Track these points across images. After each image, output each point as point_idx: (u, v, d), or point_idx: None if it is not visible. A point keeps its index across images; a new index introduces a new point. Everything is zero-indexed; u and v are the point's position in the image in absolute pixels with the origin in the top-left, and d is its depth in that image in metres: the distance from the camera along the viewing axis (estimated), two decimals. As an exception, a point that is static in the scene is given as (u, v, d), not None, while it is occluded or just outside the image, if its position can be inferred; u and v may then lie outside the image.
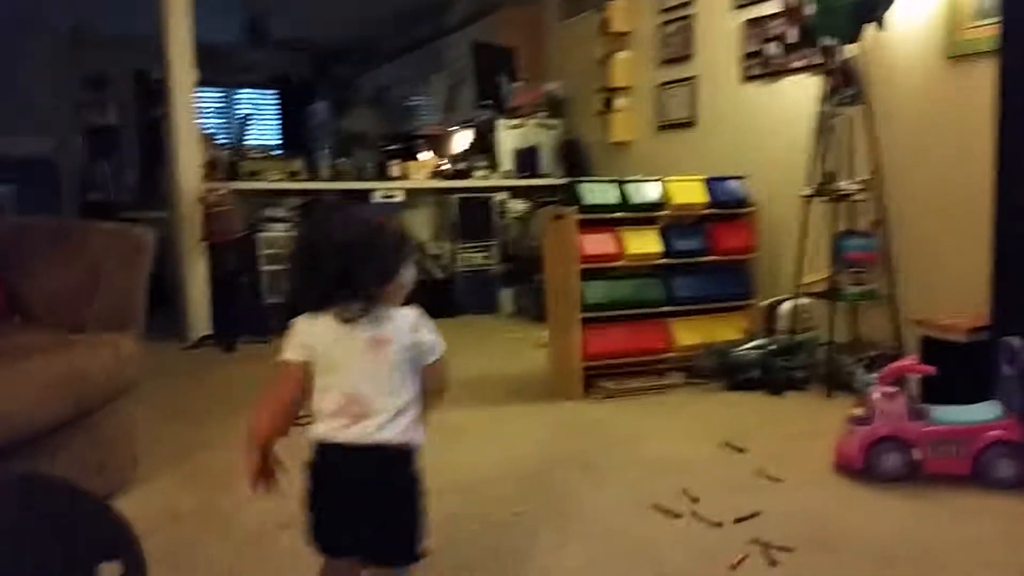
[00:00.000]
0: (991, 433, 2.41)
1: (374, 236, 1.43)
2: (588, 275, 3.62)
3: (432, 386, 1.49)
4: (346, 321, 1.42)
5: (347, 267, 1.39)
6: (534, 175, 5.87)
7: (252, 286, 5.20)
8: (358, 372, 1.42)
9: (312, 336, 1.45)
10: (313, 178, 5.45)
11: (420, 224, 5.92)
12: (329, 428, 1.44)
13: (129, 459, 2.59)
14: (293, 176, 5.34)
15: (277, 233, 5.28)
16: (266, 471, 1.52)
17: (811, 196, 3.67)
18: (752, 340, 3.68)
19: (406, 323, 1.45)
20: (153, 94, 5.66)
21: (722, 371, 3.62)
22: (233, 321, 4.83)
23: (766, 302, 3.96)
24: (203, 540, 2.17)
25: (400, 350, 1.43)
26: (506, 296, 5.84)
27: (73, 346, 2.39)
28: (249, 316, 5.04)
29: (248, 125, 5.98)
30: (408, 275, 1.48)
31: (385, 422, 1.41)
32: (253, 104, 8.80)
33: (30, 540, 1.21)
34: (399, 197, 5.49)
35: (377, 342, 1.42)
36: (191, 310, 4.97)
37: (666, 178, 3.83)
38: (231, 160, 5.23)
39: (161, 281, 5.89)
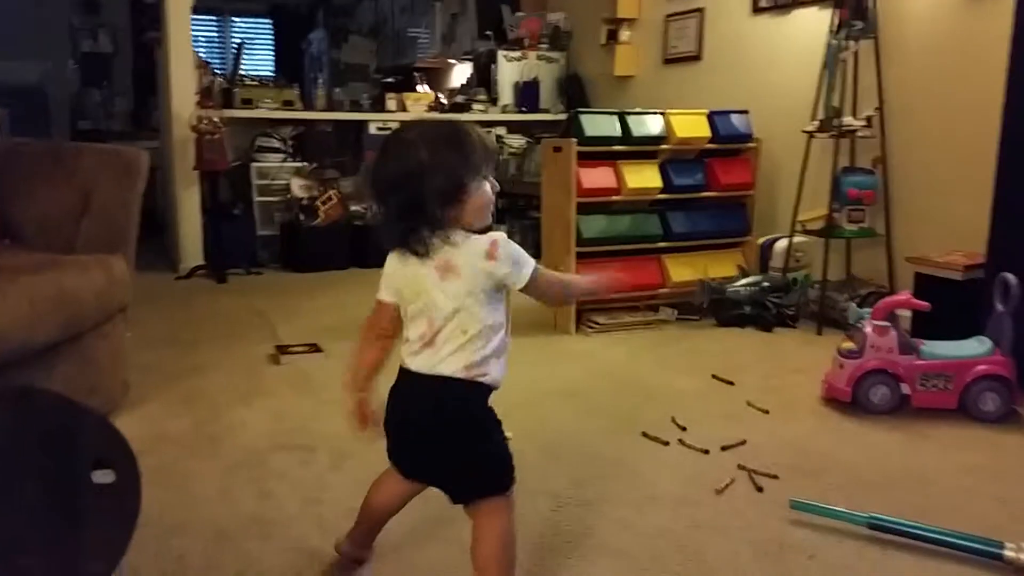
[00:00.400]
0: (979, 368, 2.42)
1: (430, 156, 1.32)
2: (585, 209, 3.59)
3: (543, 300, 1.45)
4: (418, 255, 1.34)
5: (409, 198, 1.31)
6: (533, 110, 5.78)
7: (245, 217, 5.17)
8: (431, 301, 1.35)
9: (394, 277, 1.41)
10: (308, 108, 5.37)
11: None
12: (406, 354, 1.40)
13: (119, 383, 2.59)
14: (287, 105, 5.26)
15: (270, 164, 5.23)
16: (365, 409, 1.47)
17: (814, 132, 3.62)
18: (746, 277, 3.68)
19: (478, 250, 1.33)
20: (148, 19, 5.51)
21: (714, 307, 3.62)
22: (225, 252, 4.81)
23: (762, 239, 3.94)
24: (194, 461, 2.18)
25: (470, 278, 1.33)
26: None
27: (63, 266, 2.36)
28: (241, 247, 5.02)
29: (243, 53, 5.85)
30: (481, 189, 1.36)
31: (447, 355, 1.35)
32: (248, 32, 8.62)
33: (25, 447, 1.22)
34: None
35: (446, 270, 1.34)
36: (183, 240, 4.94)
37: (668, 110, 3.77)
38: (225, 87, 5.15)
39: (154, 212, 5.88)
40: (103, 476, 1.07)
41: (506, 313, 1.40)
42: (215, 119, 4.62)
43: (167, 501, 1.92)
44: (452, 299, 1.34)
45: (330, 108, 5.44)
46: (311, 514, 1.87)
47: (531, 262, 1.36)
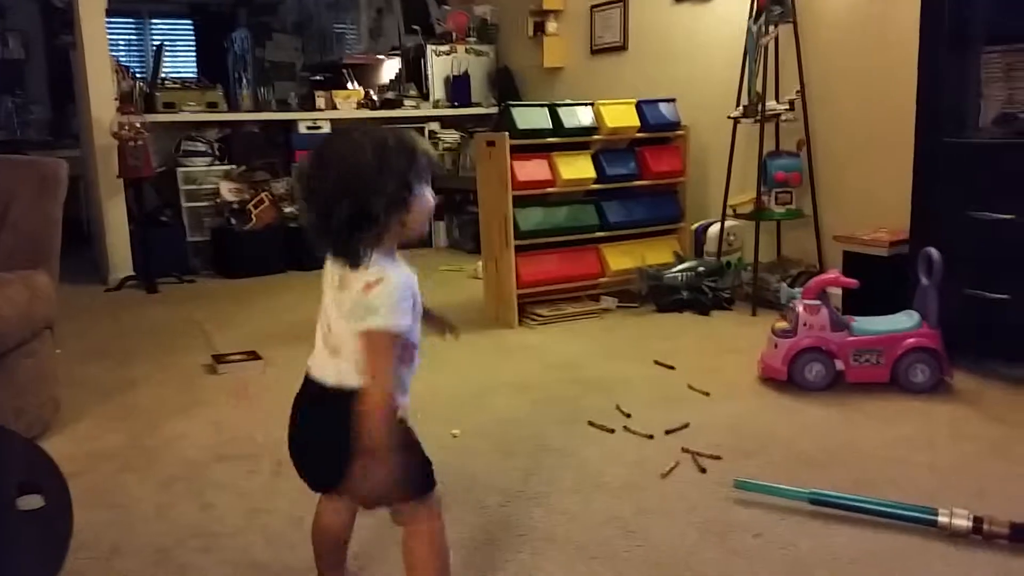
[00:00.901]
0: (908, 341, 2.51)
1: (379, 159, 1.24)
2: (522, 202, 3.60)
3: (364, 362, 1.25)
4: (352, 266, 1.27)
5: (356, 203, 1.22)
6: (465, 104, 5.76)
7: (174, 224, 5.04)
8: (326, 305, 1.33)
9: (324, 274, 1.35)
10: (233, 109, 5.25)
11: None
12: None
13: (49, 402, 2.49)
14: (212, 108, 5.13)
15: (198, 168, 5.10)
16: None
17: (739, 117, 3.69)
18: (682, 263, 3.73)
19: (365, 278, 1.25)
20: (59, 22, 5.30)
21: (653, 294, 3.67)
22: (156, 261, 4.67)
23: (695, 225, 4.00)
24: (130, 477, 2.12)
25: (351, 298, 1.27)
26: (440, 229, 5.78)
27: (-20, 284, 2.27)
28: (172, 255, 4.89)
29: (163, 55, 5.68)
30: (425, 196, 1.29)
31: (328, 363, 1.32)
32: (168, 34, 8.37)
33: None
34: (325, 129, 5.34)
35: (343, 281, 1.29)
36: (111, 251, 4.78)
37: (598, 101, 3.80)
38: (146, 92, 4.99)
39: (79, 222, 5.68)
40: (30, 502, 1.02)
41: (413, 336, 1.34)
42: (137, 124, 4.48)
43: (104, 522, 1.85)
44: (338, 311, 1.30)
45: (257, 108, 5.34)
46: (256, 525, 1.83)
47: (384, 321, 1.23)
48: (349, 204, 1.22)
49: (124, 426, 2.48)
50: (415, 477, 1.33)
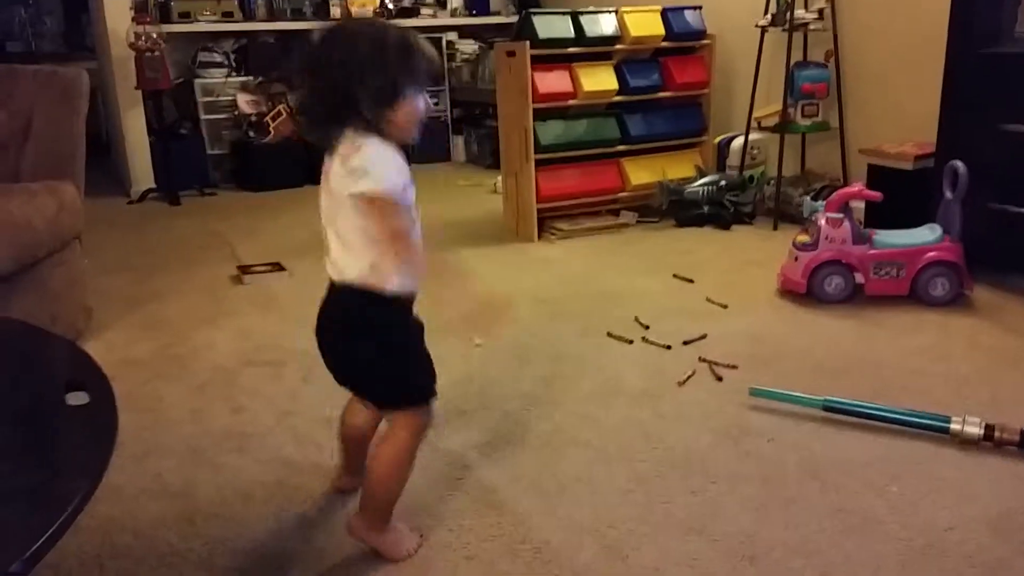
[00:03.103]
0: (929, 255, 2.50)
1: (375, 51, 1.23)
2: (542, 115, 3.56)
3: (382, 233, 1.26)
4: (329, 151, 1.28)
5: (343, 88, 1.22)
6: (484, 13, 5.63)
7: (193, 136, 5.03)
8: (323, 206, 1.32)
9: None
10: (249, 19, 5.17)
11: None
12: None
13: (81, 311, 2.56)
14: (227, 17, 5.05)
15: (215, 80, 5.06)
16: None
17: (767, 26, 3.59)
18: (703, 177, 3.70)
19: (345, 152, 1.25)
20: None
21: (673, 208, 3.66)
22: (177, 173, 4.69)
23: (718, 138, 3.95)
24: (163, 383, 2.19)
25: (337, 181, 1.26)
26: (458, 144, 5.73)
27: (10, 194, 2.30)
28: (192, 168, 4.90)
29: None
30: (416, 100, 1.27)
31: (340, 260, 1.31)
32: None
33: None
34: (342, 39, 5.25)
35: (326, 173, 1.29)
36: (132, 163, 4.81)
37: (622, 8, 3.70)
38: (160, 1, 4.92)
39: (98, 135, 5.68)
40: (77, 398, 1.07)
41: (412, 220, 1.31)
42: (153, 34, 4.43)
43: (139, 424, 1.93)
44: (328, 202, 1.30)
45: (272, 18, 5.25)
46: (285, 426, 1.90)
47: (377, 183, 1.22)
48: (335, 91, 1.23)
49: (154, 335, 2.55)
50: (414, 383, 1.37)
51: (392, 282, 1.29)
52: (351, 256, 1.29)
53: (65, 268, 2.47)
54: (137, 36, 4.40)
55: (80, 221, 2.52)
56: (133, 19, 4.51)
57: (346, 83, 1.22)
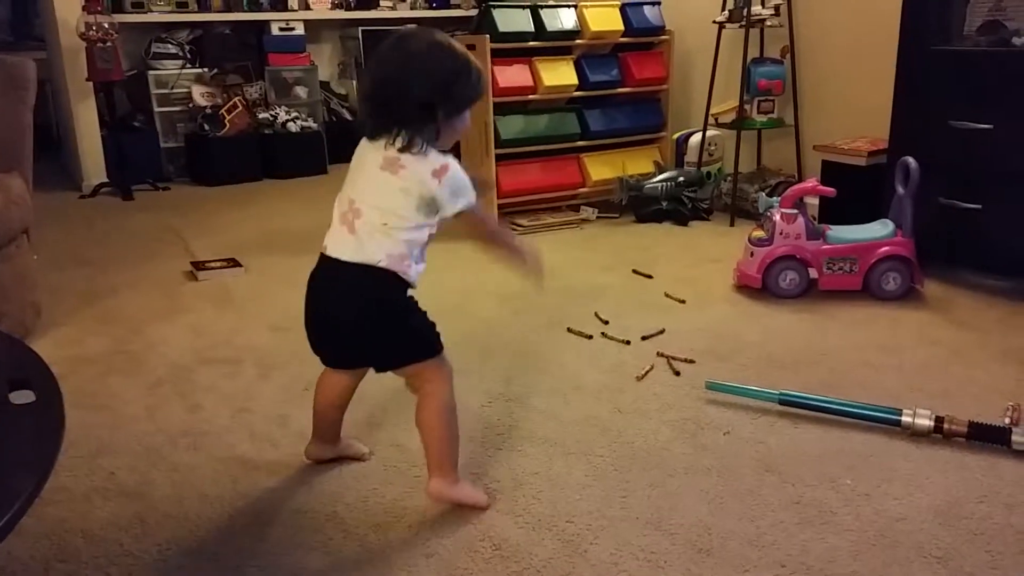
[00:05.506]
0: (882, 249, 2.55)
1: (459, 68, 1.38)
2: (502, 109, 3.55)
3: (472, 236, 1.52)
4: (384, 140, 1.39)
5: (414, 96, 1.35)
6: (444, 5, 5.60)
7: (147, 129, 4.93)
8: (365, 186, 1.40)
9: (355, 157, 1.46)
10: (204, 9, 5.07)
11: (322, 60, 5.64)
12: (328, 237, 1.47)
13: (30, 307, 2.49)
14: (182, 7, 4.95)
15: (169, 71, 4.97)
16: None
17: (724, 22, 3.63)
18: (662, 173, 3.73)
19: (429, 165, 1.37)
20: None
21: (633, 204, 3.68)
22: (130, 167, 4.59)
23: (676, 135, 3.99)
24: (116, 380, 2.14)
25: (410, 180, 1.37)
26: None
27: (-48, 188, 2.23)
28: (146, 161, 4.80)
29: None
30: (465, 118, 1.44)
31: (369, 242, 1.39)
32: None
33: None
34: (299, 30, 5.18)
35: (392, 164, 1.37)
36: (84, 157, 4.69)
37: (582, 3, 3.71)
38: (112, -10, 4.80)
39: (48, 128, 5.54)
40: (22, 396, 1.04)
41: (432, 230, 1.44)
42: (105, 25, 4.33)
43: (91, 422, 1.89)
44: (383, 189, 1.38)
45: (227, 8, 5.15)
46: (241, 423, 1.87)
47: (469, 197, 1.42)
48: (412, 97, 1.35)
49: (106, 331, 2.49)
50: (427, 335, 1.47)
51: (415, 269, 1.43)
52: (389, 241, 1.38)
53: (12, 263, 2.40)
54: (88, 26, 4.30)
55: (28, 214, 2.45)
56: (84, 8, 4.39)
57: (430, 94, 1.35)
